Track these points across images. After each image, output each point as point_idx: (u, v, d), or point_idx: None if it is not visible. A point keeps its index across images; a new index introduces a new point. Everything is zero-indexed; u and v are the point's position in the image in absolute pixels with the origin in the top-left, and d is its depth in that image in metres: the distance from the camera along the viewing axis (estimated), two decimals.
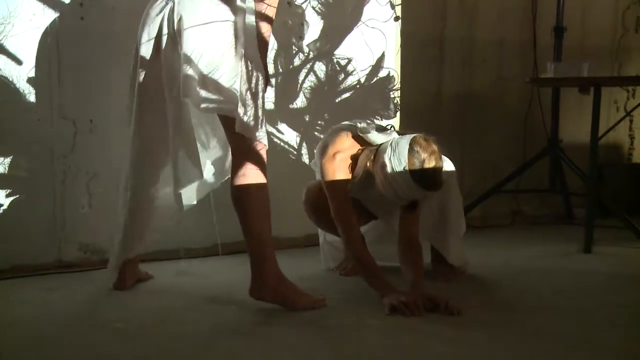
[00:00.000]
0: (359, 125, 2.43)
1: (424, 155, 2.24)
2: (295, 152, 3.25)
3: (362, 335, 1.98)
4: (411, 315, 2.11)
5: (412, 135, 2.30)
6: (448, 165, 2.52)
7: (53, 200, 2.70)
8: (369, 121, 2.50)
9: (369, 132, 2.40)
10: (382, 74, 3.45)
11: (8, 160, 2.61)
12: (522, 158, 3.89)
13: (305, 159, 3.25)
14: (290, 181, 3.19)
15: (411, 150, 2.24)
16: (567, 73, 3.39)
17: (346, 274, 2.69)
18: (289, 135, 3.23)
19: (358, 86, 3.38)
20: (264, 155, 2.22)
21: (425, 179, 2.24)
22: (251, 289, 2.20)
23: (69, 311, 2.20)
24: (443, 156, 2.34)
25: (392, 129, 2.44)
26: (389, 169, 2.26)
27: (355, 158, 2.43)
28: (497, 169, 3.85)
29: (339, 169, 2.41)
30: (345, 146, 2.43)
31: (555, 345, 1.89)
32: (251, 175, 2.19)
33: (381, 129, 2.43)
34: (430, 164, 2.24)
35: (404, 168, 2.23)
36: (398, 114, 3.53)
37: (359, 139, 2.44)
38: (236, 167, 2.20)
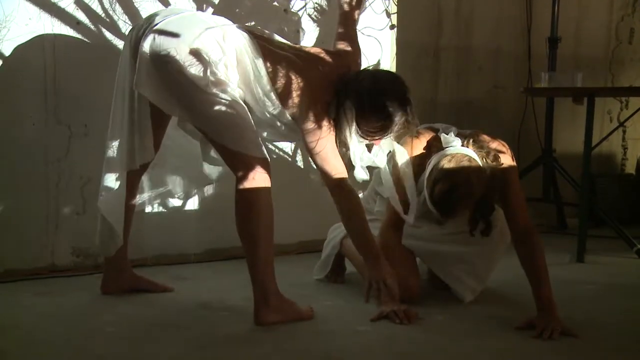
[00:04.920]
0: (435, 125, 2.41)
1: (443, 172, 2.15)
2: (289, 159, 3.25)
3: (353, 341, 1.98)
4: (400, 323, 2.12)
5: (449, 152, 2.21)
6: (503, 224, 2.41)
7: (47, 204, 2.69)
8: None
9: (447, 133, 2.31)
10: None
11: (2, 163, 2.61)
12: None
13: (300, 164, 3.25)
14: (284, 188, 3.19)
15: (437, 164, 2.18)
16: (561, 83, 3.41)
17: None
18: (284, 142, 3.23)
19: None
20: (266, 170, 2.11)
21: (432, 196, 2.18)
22: (256, 316, 2.09)
23: (61, 315, 2.19)
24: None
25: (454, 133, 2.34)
26: (425, 175, 2.23)
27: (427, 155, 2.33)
28: None
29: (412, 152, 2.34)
30: (420, 139, 2.37)
31: (545, 355, 1.90)
32: (254, 194, 2.07)
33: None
34: (443, 185, 2.14)
35: (427, 179, 2.20)
36: None
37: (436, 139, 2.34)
38: (237, 184, 2.09)
